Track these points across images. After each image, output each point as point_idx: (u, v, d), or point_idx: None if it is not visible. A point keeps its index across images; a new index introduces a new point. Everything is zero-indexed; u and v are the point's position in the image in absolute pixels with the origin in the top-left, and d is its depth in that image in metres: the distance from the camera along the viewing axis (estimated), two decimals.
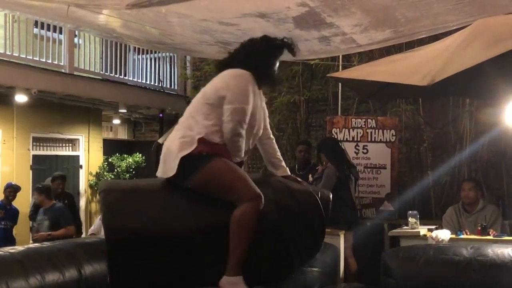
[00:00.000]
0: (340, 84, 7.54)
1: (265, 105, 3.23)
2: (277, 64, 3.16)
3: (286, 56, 6.50)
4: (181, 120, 3.04)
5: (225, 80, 2.98)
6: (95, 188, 9.99)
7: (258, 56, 3.09)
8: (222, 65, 3.15)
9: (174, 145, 2.89)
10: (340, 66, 7.62)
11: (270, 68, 3.12)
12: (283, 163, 3.25)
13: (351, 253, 5.92)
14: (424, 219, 5.93)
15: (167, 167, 2.91)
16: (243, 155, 3.02)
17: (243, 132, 2.92)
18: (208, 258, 2.82)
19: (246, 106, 2.91)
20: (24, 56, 8.22)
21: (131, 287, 2.86)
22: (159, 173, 3.02)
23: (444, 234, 5.06)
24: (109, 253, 2.85)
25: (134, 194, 2.93)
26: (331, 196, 3.14)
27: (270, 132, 3.29)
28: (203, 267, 2.83)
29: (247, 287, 2.72)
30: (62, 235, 6.52)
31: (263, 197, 2.78)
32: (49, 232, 6.65)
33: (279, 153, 3.26)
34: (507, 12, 4.74)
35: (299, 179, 3.27)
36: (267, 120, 3.26)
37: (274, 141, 3.28)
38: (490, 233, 5.14)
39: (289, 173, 3.24)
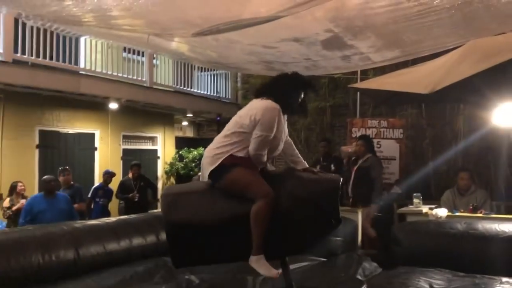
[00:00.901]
0: (358, 92, 7.44)
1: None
2: (301, 97, 3.01)
3: (315, 71, 6.47)
4: (219, 136, 3.04)
5: (258, 111, 2.91)
6: (169, 173, 10.16)
7: (286, 91, 2.99)
8: (258, 93, 3.09)
9: (208, 159, 2.96)
10: (359, 79, 7.51)
11: (295, 102, 3.00)
12: (301, 159, 3.10)
13: (372, 223, 5.85)
14: (426, 200, 5.79)
15: (203, 175, 3.04)
16: (263, 164, 2.99)
17: (264, 153, 2.92)
18: (238, 240, 2.88)
19: (271, 135, 2.89)
20: (116, 74, 8.42)
21: (185, 263, 3.06)
22: (202, 177, 3.11)
23: (442, 212, 4.94)
24: (168, 239, 2.98)
25: (184, 196, 3.04)
26: (340, 181, 2.94)
27: (288, 137, 3.15)
28: (235, 247, 2.91)
29: (267, 262, 2.78)
30: (76, 209, 6.30)
31: (272, 193, 2.78)
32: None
33: (296, 151, 3.12)
34: (494, 34, 4.60)
35: (315, 170, 3.10)
36: (286, 130, 3.13)
37: (292, 143, 3.16)
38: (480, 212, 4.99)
39: (307, 165, 3.07)
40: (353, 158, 6.17)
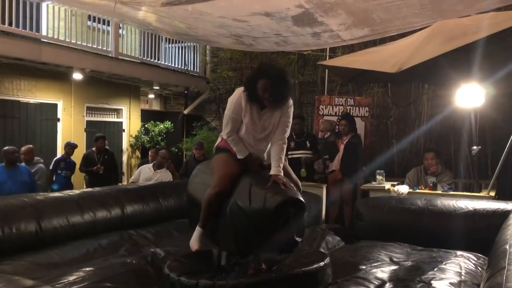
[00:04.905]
0: (326, 70, 7.47)
1: (282, 119, 3.04)
2: (260, 86, 2.93)
3: (285, 47, 6.43)
4: None
5: None
6: (134, 147, 10.01)
7: (246, 78, 3.16)
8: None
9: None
10: (327, 56, 7.54)
11: (251, 88, 2.97)
12: (275, 164, 2.94)
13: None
14: (389, 177, 5.95)
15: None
16: (242, 153, 3.02)
17: (230, 133, 3.04)
18: None
19: (229, 113, 3.03)
20: (79, 43, 8.14)
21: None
22: None
23: (403, 189, 5.08)
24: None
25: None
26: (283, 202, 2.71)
27: (281, 140, 3.03)
28: None
29: (203, 235, 3.10)
30: None
31: (222, 188, 2.91)
32: None
33: (278, 157, 2.95)
34: (460, 16, 4.68)
35: (281, 179, 2.87)
36: (281, 131, 3.03)
37: (279, 147, 3.00)
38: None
39: (278, 173, 2.89)
40: (327, 133, 6.27)
